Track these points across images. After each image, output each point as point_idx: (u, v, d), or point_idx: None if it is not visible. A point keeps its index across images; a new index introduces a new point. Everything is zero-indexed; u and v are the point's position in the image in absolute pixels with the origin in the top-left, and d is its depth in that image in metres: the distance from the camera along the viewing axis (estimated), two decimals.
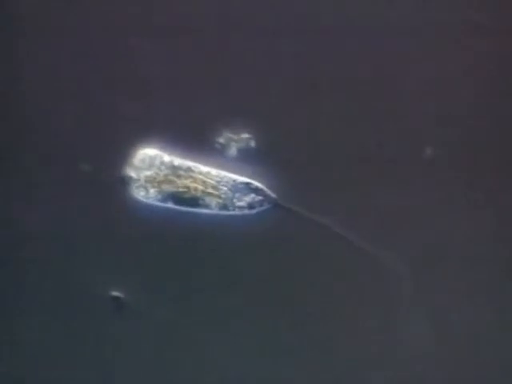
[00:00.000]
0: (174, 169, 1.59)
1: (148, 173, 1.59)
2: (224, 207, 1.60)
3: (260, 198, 1.58)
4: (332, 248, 1.57)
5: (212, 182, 1.59)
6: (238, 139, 1.57)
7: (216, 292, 1.60)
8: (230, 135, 1.57)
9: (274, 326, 1.58)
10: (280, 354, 1.58)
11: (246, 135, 1.57)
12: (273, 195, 1.58)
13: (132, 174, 1.59)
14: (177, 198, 1.60)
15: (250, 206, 1.59)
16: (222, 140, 1.58)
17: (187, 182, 1.59)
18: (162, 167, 1.59)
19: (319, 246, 1.57)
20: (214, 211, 1.59)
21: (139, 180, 1.59)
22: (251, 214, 1.59)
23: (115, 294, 1.59)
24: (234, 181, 1.59)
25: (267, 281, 1.58)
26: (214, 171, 1.59)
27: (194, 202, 1.60)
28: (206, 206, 1.60)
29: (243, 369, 1.58)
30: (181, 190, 1.59)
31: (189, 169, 1.59)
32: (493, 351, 1.56)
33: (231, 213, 1.59)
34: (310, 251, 1.57)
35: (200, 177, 1.59)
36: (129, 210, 1.59)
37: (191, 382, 1.60)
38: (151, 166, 1.59)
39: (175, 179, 1.59)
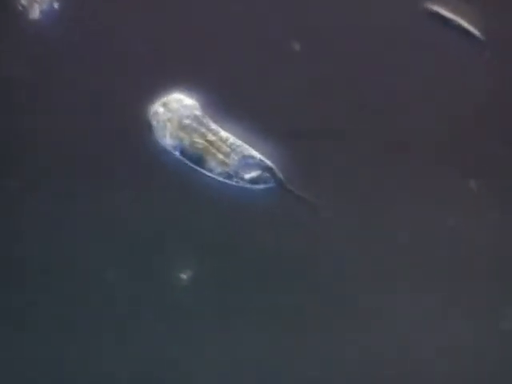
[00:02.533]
0: (199, 124, 1.58)
1: (173, 116, 1.58)
2: (228, 176, 1.57)
3: (267, 175, 1.56)
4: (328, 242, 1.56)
5: (226, 149, 1.58)
6: (40, 1, 1.55)
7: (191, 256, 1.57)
8: None
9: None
10: (274, 330, 1.56)
11: None
12: (280, 176, 1.56)
13: (160, 109, 1.58)
14: (185, 150, 1.58)
15: (255, 181, 1.57)
16: (23, 1, 1.56)
17: (202, 141, 1.58)
18: (190, 117, 1.58)
19: (314, 235, 1.55)
20: (217, 177, 1.57)
21: (163, 118, 1.57)
22: (253, 188, 1.57)
23: None
24: (247, 153, 1.57)
25: (253, 255, 1.56)
26: (232, 139, 1.58)
27: (199, 161, 1.58)
28: (210, 170, 1.58)
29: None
30: (193, 145, 1.58)
31: (210, 129, 1.58)
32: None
33: (234, 183, 1.57)
34: (301, 236, 1.56)
35: (216, 140, 1.58)
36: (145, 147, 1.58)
37: None
38: (181, 111, 1.58)
39: (193, 133, 1.58)
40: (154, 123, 1.58)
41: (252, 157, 1.57)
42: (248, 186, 1.57)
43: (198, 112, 1.58)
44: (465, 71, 1.57)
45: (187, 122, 1.58)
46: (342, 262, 1.55)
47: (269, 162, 1.57)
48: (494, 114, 1.56)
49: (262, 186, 1.57)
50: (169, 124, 1.58)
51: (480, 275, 1.55)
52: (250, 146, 1.58)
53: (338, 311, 1.54)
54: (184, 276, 1.56)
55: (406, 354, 1.54)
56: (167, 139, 1.58)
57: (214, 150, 1.58)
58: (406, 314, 1.54)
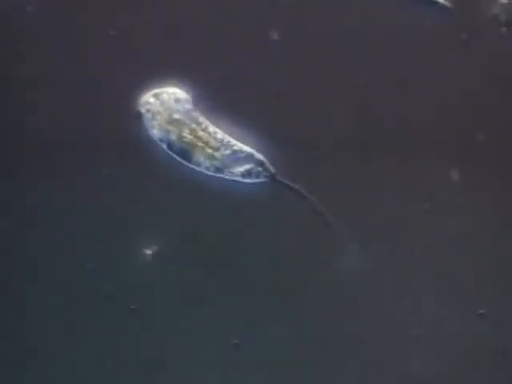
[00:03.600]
0: (189, 118, 1.54)
1: (163, 108, 1.53)
2: (217, 170, 1.53)
3: (258, 169, 1.53)
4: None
5: (216, 143, 1.53)
6: None
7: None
8: None
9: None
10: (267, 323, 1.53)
11: None
12: (272, 169, 1.53)
13: (151, 99, 1.53)
14: (173, 143, 1.53)
15: (246, 174, 1.53)
16: None
17: (190, 135, 1.53)
18: (180, 111, 1.54)
19: (303, 228, 1.53)
20: (205, 170, 1.53)
21: (153, 109, 1.53)
22: (245, 182, 1.53)
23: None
24: (238, 148, 1.53)
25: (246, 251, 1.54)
26: (221, 134, 1.54)
27: (186, 154, 1.53)
28: (197, 164, 1.53)
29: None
30: (181, 139, 1.53)
31: (199, 123, 1.54)
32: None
33: (225, 176, 1.53)
34: (294, 230, 1.53)
35: (205, 135, 1.53)
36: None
37: None
38: (172, 104, 1.53)
39: (183, 127, 1.53)
40: (144, 112, 1.53)
41: (242, 151, 1.53)
42: (239, 179, 1.53)
43: (188, 106, 1.53)
44: (450, 58, 1.57)
45: (177, 115, 1.53)
46: (332, 257, 1.53)
47: (260, 156, 1.53)
48: (480, 103, 1.56)
49: (253, 180, 1.53)
50: (158, 115, 1.53)
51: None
52: (241, 140, 1.54)
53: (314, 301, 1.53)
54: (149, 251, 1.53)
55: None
56: (155, 131, 1.53)
57: (201, 145, 1.53)
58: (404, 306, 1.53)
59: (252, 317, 1.52)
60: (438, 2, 1.57)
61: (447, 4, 1.57)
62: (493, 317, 1.52)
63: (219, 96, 1.55)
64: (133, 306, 1.52)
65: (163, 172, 1.53)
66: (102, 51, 1.56)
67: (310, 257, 1.53)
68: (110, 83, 1.55)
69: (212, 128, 1.54)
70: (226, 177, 1.53)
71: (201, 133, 1.53)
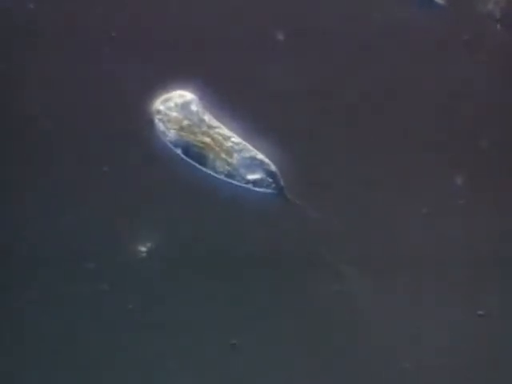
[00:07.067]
0: (201, 122, 1.56)
1: (176, 114, 1.56)
2: (230, 175, 1.57)
3: (269, 180, 1.56)
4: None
5: (229, 148, 1.56)
6: None
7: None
8: None
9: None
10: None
11: None
12: (282, 183, 1.56)
13: (161, 107, 1.55)
14: (188, 148, 1.57)
15: (256, 183, 1.57)
16: None
17: (206, 139, 1.56)
18: (192, 115, 1.56)
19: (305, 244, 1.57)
20: (218, 175, 1.57)
21: (165, 116, 1.56)
22: (253, 190, 1.57)
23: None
24: (251, 155, 1.57)
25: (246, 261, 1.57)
26: (236, 138, 1.57)
27: (202, 159, 1.57)
28: (213, 169, 1.57)
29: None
30: (196, 143, 1.56)
31: (213, 127, 1.56)
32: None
33: (235, 183, 1.57)
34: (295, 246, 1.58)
35: (219, 138, 1.56)
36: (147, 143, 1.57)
37: None
38: (182, 109, 1.56)
39: (197, 131, 1.56)
40: (156, 121, 1.56)
41: (256, 159, 1.57)
42: (249, 187, 1.57)
43: (200, 109, 1.56)
44: (447, 57, 1.57)
45: (189, 119, 1.56)
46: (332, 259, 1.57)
47: (273, 167, 1.56)
48: (480, 102, 1.57)
49: (262, 190, 1.57)
50: (171, 122, 1.56)
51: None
52: (254, 146, 1.57)
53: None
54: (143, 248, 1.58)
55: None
56: (169, 137, 1.56)
57: (217, 149, 1.57)
58: (404, 306, 1.57)
59: (252, 317, 1.56)
60: (432, 0, 1.53)
61: (442, 2, 1.53)
62: (493, 318, 1.56)
63: (230, 98, 1.56)
64: (130, 306, 1.56)
65: (177, 176, 1.56)
66: (104, 54, 1.56)
67: (310, 258, 1.57)
68: (119, 88, 1.56)
69: (226, 131, 1.56)
70: (238, 183, 1.57)
71: (215, 136, 1.57)
